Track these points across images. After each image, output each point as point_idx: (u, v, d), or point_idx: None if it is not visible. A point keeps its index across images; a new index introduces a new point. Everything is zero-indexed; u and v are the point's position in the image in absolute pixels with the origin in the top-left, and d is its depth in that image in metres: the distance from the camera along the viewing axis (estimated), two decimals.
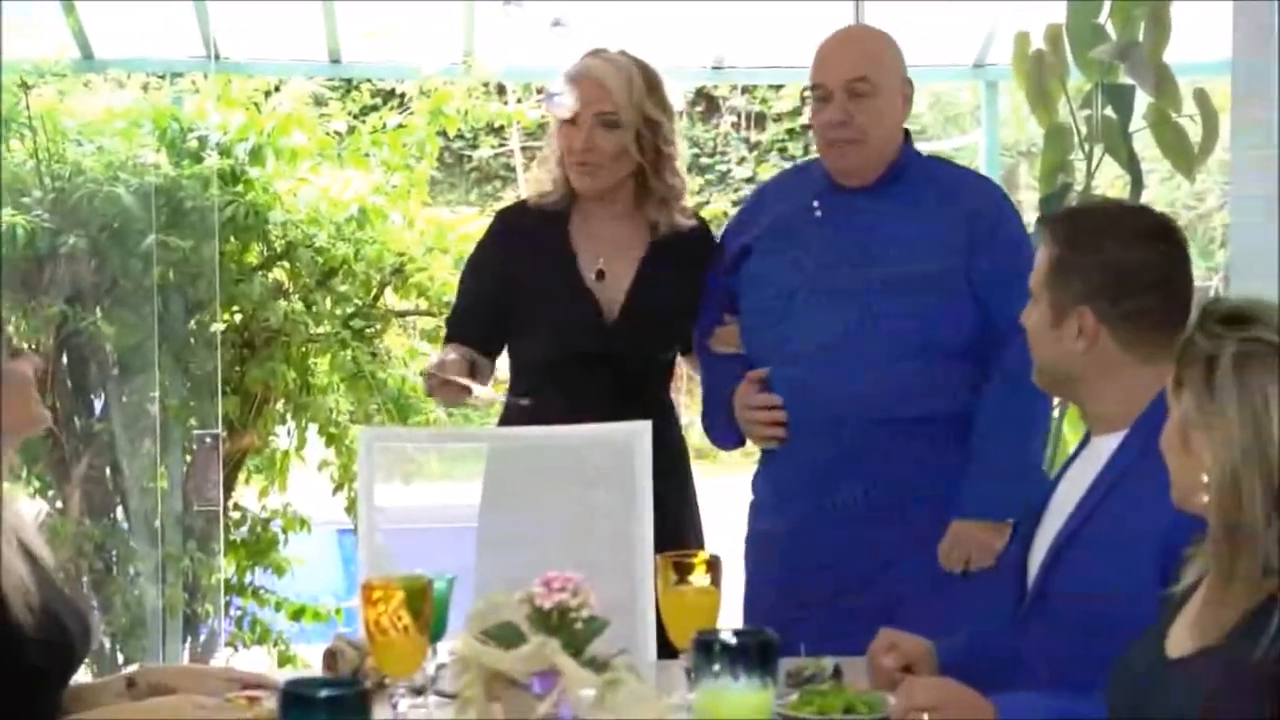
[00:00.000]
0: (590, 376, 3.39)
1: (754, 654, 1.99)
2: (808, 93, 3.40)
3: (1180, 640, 1.98)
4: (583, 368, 3.40)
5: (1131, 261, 2.43)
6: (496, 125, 6.41)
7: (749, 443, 3.42)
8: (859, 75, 3.24)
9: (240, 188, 5.44)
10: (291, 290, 5.58)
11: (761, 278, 3.34)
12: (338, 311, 5.58)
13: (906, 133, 3.38)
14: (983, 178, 3.60)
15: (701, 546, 3.38)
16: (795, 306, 3.26)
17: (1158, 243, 2.46)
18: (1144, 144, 4.72)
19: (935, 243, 3.23)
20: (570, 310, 3.44)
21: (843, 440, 3.21)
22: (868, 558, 3.21)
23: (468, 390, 3.28)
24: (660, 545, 2.87)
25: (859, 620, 2.93)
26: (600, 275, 3.45)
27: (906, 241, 3.23)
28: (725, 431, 3.39)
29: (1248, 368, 1.89)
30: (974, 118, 10.52)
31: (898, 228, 3.25)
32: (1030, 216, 4.09)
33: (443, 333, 5.63)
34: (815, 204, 3.31)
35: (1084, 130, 4.68)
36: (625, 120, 3.41)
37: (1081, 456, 2.55)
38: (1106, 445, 2.46)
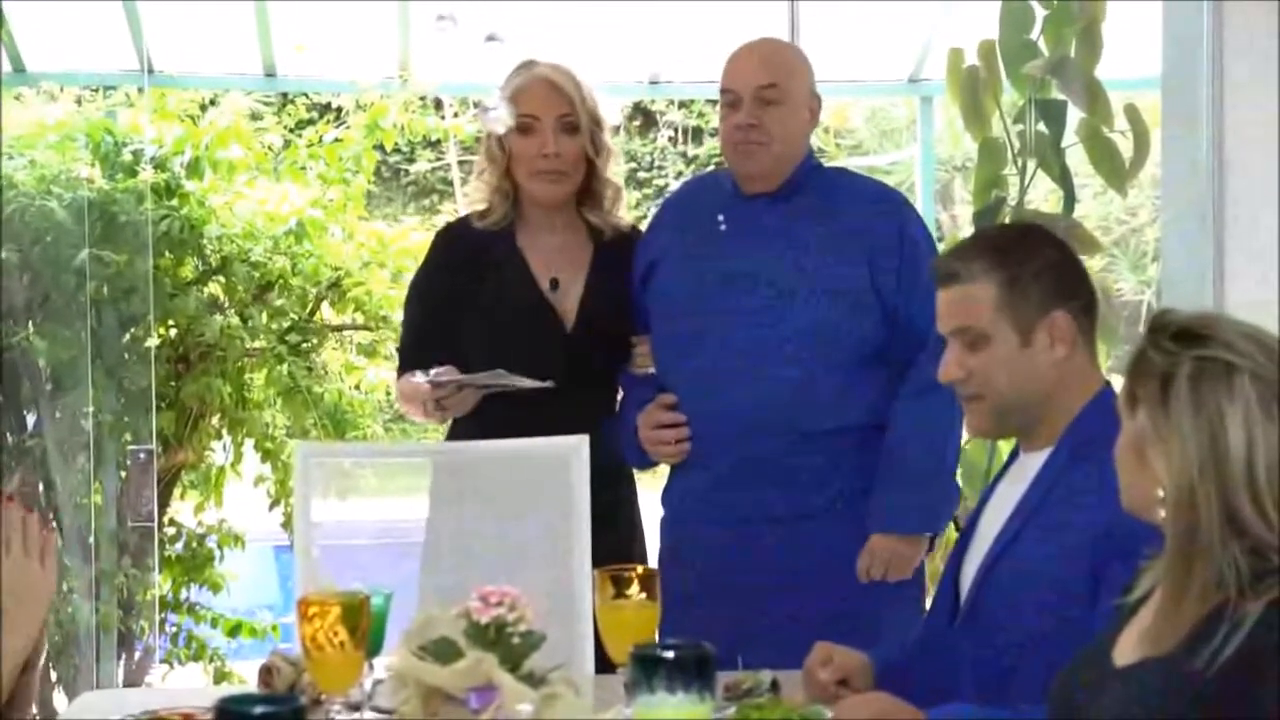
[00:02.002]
0: (549, 392, 3.36)
1: (691, 667, 1.99)
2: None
3: (1128, 649, 2.00)
4: (539, 379, 3.38)
5: (1069, 258, 2.53)
6: (433, 139, 6.40)
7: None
8: (768, 82, 3.28)
9: (175, 202, 5.41)
10: (227, 305, 5.55)
11: (669, 293, 3.36)
12: (274, 326, 5.56)
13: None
14: (884, 185, 3.62)
15: (644, 560, 3.39)
16: (704, 320, 3.27)
17: (1064, 243, 2.58)
18: (1077, 159, 4.77)
19: (840, 248, 3.25)
20: (531, 321, 3.42)
21: (755, 452, 3.21)
22: (779, 570, 3.21)
23: (475, 392, 3.27)
24: (608, 558, 2.86)
25: (789, 631, 2.94)
26: (555, 284, 3.44)
27: (811, 249, 3.25)
28: (634, 451, 3.39)
29: (1203, 385, 1.92)
30: (910, 133, 10.58)
31: (802, 235, 3.27)
32: (966, 231, 4.11)
33: (381, 348, 5.68)
34: (720, 217, 3.33)
35: (1017, 145, 4.72)
36: (581, 124, 3.43)
37: (1011, 470, 2.57)
38: (1035, 459, 2.49)
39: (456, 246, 3.52)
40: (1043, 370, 2.47)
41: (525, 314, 3.42)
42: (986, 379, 2.50)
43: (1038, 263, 2.48)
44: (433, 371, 3.30)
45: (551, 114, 3.41)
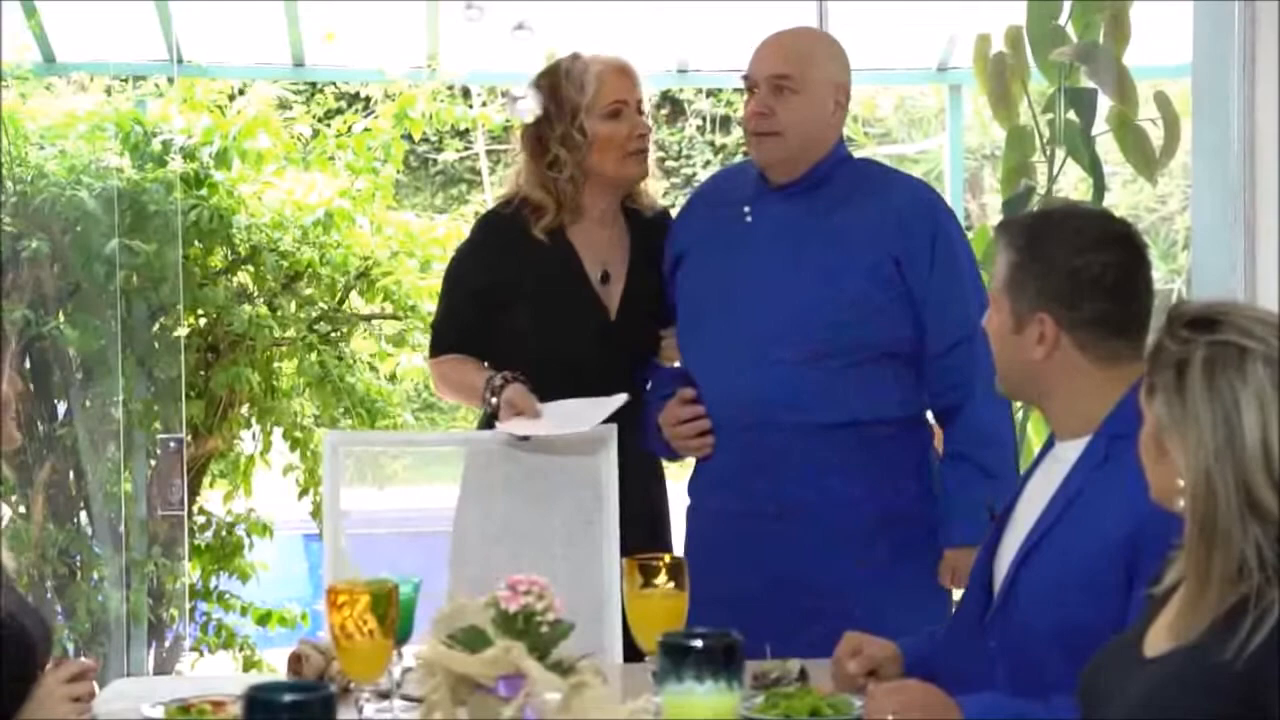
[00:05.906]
0: (586, 378, 3.36)
1: (720, 656, 1.99)
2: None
3: (1157, 641, 2.00)
4: (581, 369, 3.37)
5: (1087, 268, 2.42)
6: (461, 128, 6.40)
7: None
8: (782, 72, 3.26)
9: (204, 192, 5.43)
10: (256, 294, 5.57)
11: (694, 283, 3.35)
12: (303, 315, 5.57)
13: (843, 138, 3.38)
14: (918, 181, 3.55)
15: (671, 550, 3.39)
16: (726, 310, 3.26)
17: (1113, 248, 2.45)
18: (1107, 147, 4.75)
19: (866, 242, 3.21)
20: (579, 312, 3.41)
21: (772, 442, 3.20)
22: (797, 560, 3.21)
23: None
24: (636, 547, 2.86)
25: (810, 622, 2.95)
26: (605, 278, 3.45)
27: (836, 241, 3.22)
28: (658, 443, 3.38)
29: (1217, 371, 1.91)
30: (938, 121, 10.55)
31: (827, 227, 3.24)
32: (994, 220, 4.10)
33: (410, 337, 5.69)
34: (746, 209, 3.32)
35: (1046, 133, 4.70)
36: (645, 107, 3.51)
37: (1045, 461, 2.55)
38: (1070, 450, 2.46)
39: (505, 235, 3.48)
40: (1027, 360, 2.46)
41: (574, 305, 3.41)
42: (994, 341, 2.52)
43: (1048, 261, 2.44)
44: (501, 378, 3.30)
45: (635, 97, 3.47)
